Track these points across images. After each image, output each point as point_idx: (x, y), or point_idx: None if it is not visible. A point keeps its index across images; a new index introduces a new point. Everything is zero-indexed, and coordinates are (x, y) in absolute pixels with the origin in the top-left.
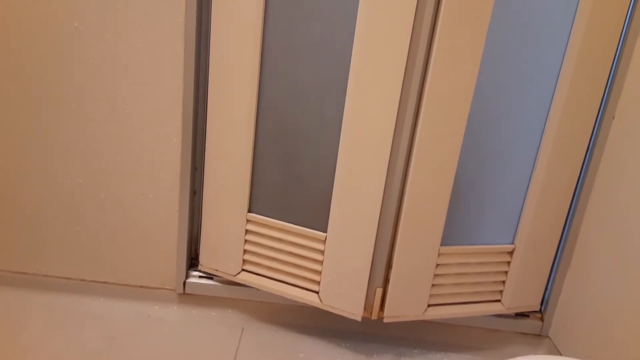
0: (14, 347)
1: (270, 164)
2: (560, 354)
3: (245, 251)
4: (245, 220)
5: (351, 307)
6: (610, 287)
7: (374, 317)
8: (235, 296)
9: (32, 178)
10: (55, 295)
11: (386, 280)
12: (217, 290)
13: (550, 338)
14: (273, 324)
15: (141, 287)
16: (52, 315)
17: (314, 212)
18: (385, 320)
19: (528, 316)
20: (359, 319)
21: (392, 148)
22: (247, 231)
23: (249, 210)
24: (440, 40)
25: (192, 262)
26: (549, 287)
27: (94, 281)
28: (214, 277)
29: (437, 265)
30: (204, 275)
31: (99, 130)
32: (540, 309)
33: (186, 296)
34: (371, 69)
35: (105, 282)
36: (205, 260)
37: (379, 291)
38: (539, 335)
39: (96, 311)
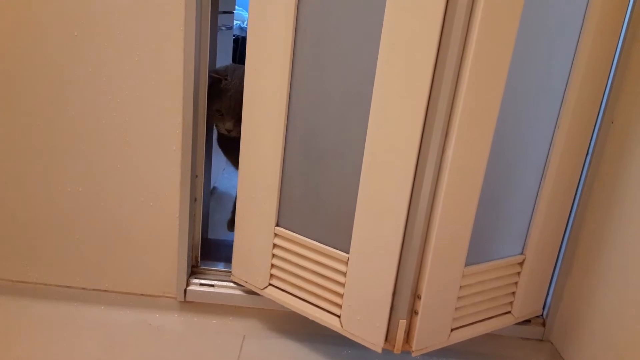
0: (13, 356)
1: (297, 178)
2: (562, 359)
3: (272, 265)
4: (273, 234)
5: (371, 336)
6: (611, 292)
7: (397, 350)
8: (236, 304)
9: (31, 186)
10: (55, 304)
11: (412, 312)
12: (218, 298)
13: (552, 343)
14: (275, 332)
15: (142, 295)
16: (51, 324)
17: (338, 231)
18: (414, 355)
19: (530, 321)
20: (379, 350)
21: (417, 166)
22: (274, 245)
23: (277, 224)
24: (474, 60)
25: (193, 269)
26: (550, 292)
27: (94, 289)
28: (215, 285)
29: (460, 287)
30: (204, 283)
31: (98, 138)
32: (542, 314)
33: (187, 304)
34: (395, 84)
35: (105, 290)
36: (237, 270)
37: (403, 323)
38: (541, 340)
39: (96, 319)
